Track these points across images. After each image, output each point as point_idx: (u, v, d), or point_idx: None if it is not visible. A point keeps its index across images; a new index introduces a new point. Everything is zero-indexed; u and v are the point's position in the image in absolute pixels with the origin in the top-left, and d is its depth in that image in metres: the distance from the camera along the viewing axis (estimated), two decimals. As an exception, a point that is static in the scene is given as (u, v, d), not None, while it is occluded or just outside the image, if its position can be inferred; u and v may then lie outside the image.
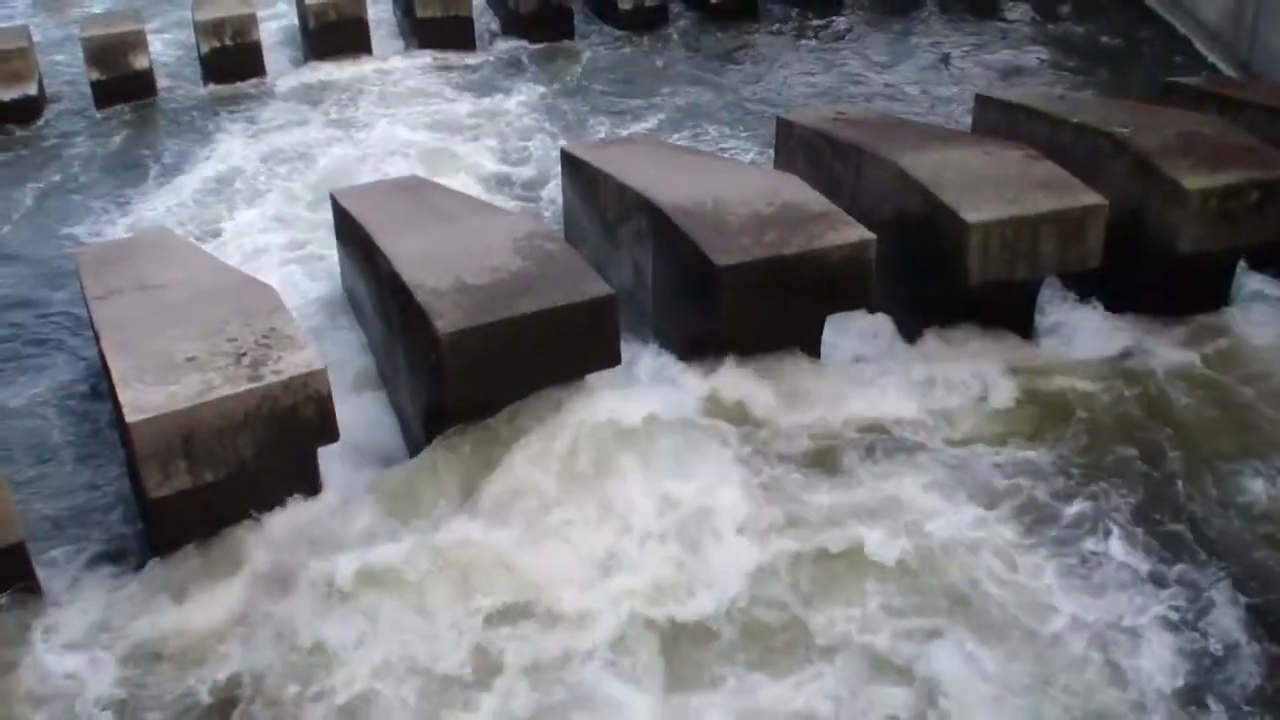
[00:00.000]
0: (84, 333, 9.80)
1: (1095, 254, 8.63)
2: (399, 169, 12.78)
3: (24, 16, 20.09)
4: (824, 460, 7.79)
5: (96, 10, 20.14)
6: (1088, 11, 18.05)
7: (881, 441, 7.96)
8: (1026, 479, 7.64)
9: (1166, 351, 8.80)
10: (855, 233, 8.09)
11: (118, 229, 12.34)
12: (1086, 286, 9.41)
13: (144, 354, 7.05)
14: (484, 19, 17.91)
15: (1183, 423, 8.15)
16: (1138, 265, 9.03)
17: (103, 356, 7.40)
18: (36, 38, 17.23)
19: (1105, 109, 10.47)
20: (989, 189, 8.61)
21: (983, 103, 11.34)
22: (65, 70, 16.75)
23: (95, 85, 15.72)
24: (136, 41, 15.86)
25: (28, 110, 15.38)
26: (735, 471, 7.54)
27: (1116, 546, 7.08)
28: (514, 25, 17.42)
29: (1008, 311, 8.91)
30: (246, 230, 11.97)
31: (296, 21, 17.68)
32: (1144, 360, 8.74)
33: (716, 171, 9.32)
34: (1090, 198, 8.58)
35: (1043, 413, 8.24)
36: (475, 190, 11.59)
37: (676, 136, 13.90)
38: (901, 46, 16.97)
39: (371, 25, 17.07)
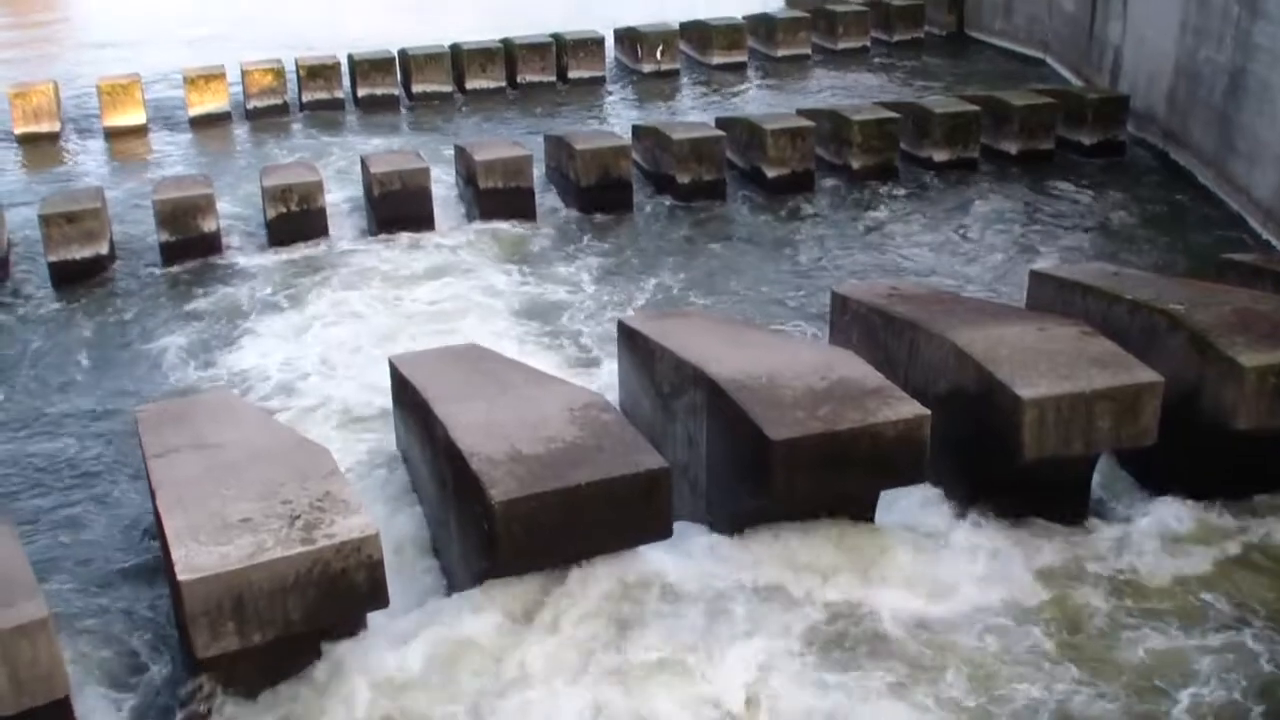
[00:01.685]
0: (140, 489, 9.89)
1: (1151, 431, 8.59)
2: (455, 332, 12.96)
3: (98, 171, 20.82)
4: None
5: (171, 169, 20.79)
6: (1141, 186, 18.18)
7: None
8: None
9: (1232, 537, 8.65)
10: (910, 409, 8.09)
11: (178, 386, 12.54)
12: (1143, 464, 9.34)
13: (198, 513, 7.12)
14: (545, 190, 18.21)
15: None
16: (1195, 443, 8.95)
17: (158, 514, 7.47)
18: (112, 193, 17.81)
19: (1160, 286, 10.49)
20: (1044, 365, 8.62)
21: (1037, 279, 11.38)
22: (135, 228, 17.14)
23: (164, 246, 16.09)
24: (206, 205, 16.24)
25: (98, 268, 15.77)
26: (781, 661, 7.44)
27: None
28: (574, 196, 17.71)
29: (1062, 488, 8.83)
30: (304, 391, 12.15)
31: (361, 190, 18.04)
32: (1211, 550, 8.57)
33: (771, 346, 9.38)
34: (1146, 374, 8.57)
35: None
36: (529, 357, 11.69)
37: (730, 308, 14.02)
38: (956, 220, 17.11)
39: (434, 194, 17.37)
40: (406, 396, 9.41)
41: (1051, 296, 10.84)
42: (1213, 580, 8.24)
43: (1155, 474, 9.31)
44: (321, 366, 12.75)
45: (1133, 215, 17.15)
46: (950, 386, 9.01)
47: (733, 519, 8.35)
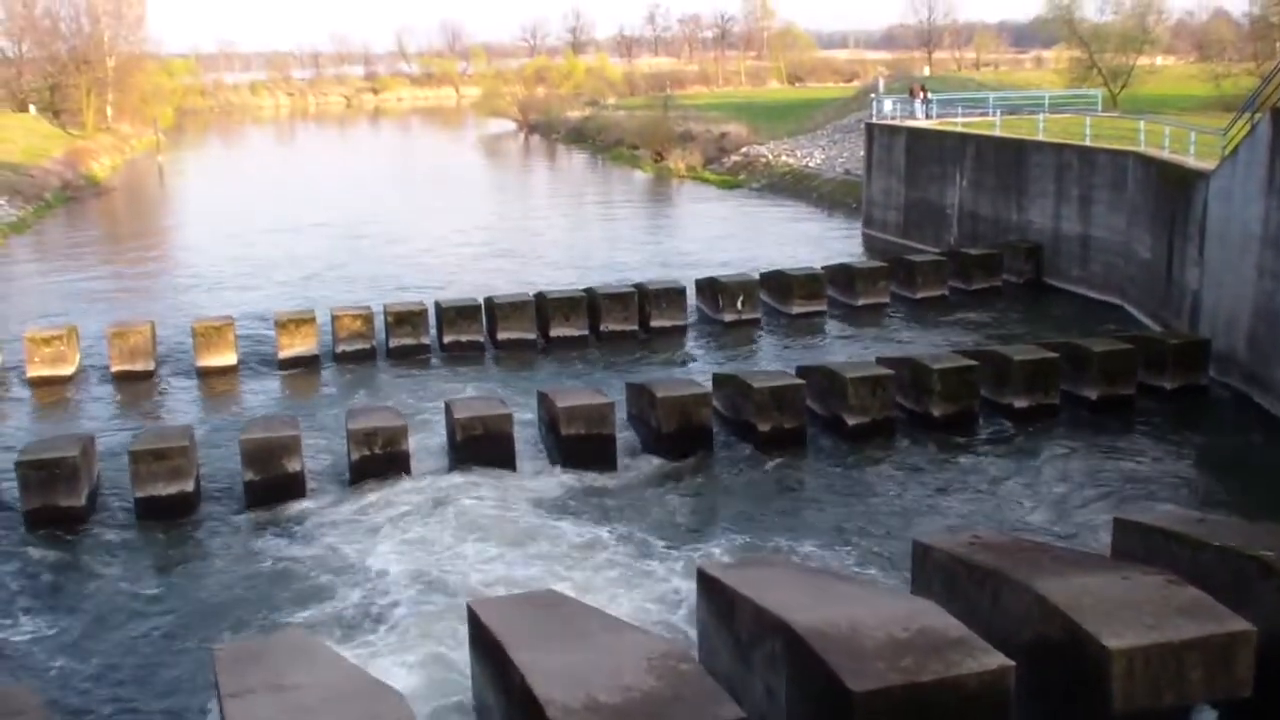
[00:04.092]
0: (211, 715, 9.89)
1: (1246, 682, 8.38)
2: (533, 578, 12.97)
3: (188, 410, 21.36)
4: None
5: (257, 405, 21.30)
6: (1224, 430, 18.10)
7: None
8: None
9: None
10: (993, 660, 7.95)
11: (249, 624, 12.65)
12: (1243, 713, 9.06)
13: (272, 758, 7.10)
14: (626, 436, 18.31)
15: None
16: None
17: (231, 756, 7.46)
18: (201, 431, 18.21)
19: (1248, 531, 10.36)
20: (1130, 615, 8.47)
21: (1121, 526, 11.26)
22: (222, 467, 17.43)
23: (248, 485, 16.34)
24: (293, 446, 16.52)
25: (183, 506, 16.02)
26: None
27: None
28: (654, 443, 17.81)
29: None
30: (382, 635, 12.17)
31: (445, 434, 18.27)
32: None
33: (852, 595, 9.31)
34: (1237, 624, 8.40)
35: None
36: (607, 603, 11.65)
37: (810, 557, 13.93)
38: (1038, 467, 17.02)
39: (516, 440, 17.54)
40: (483, 641, 9.39)
41: (1136, 544, 10.71)
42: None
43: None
44: (396, 609, 12.80)
45: (1217, 459, 16.98)
46: (1034, 637, 8.85)
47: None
